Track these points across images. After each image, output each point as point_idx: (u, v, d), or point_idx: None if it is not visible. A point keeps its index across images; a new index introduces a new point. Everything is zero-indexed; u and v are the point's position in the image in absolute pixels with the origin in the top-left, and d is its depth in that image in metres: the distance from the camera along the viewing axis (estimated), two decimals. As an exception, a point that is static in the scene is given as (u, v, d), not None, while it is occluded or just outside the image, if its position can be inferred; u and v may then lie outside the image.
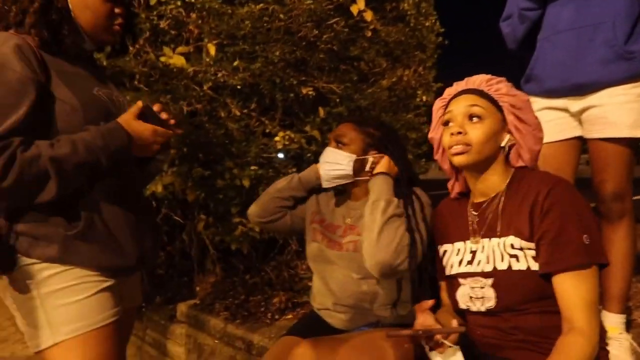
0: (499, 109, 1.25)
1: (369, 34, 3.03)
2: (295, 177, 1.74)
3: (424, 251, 1.46)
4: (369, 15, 2.85)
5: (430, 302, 1.22)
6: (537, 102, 1.98)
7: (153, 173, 1.46)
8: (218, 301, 3.01)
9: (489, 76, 1.30)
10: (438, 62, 3.72)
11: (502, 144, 1.25)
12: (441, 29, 3.70)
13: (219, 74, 2.59)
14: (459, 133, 1.21)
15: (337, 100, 3.01)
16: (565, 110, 1.92)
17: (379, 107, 3.23)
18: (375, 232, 1.42)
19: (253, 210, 1.78)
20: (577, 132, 1.92)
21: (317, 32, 2.78)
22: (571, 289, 1.10)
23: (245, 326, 2.63)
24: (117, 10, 1.25)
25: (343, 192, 1.72)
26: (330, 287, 1.61)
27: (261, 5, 2.54)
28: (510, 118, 1.25)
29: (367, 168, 1.60)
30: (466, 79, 1.33)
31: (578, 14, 1.82)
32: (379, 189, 1.52)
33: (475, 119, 1.22)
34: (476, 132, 1.21)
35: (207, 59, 2.47)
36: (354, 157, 1.59)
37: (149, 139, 1.21)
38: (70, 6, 1.19)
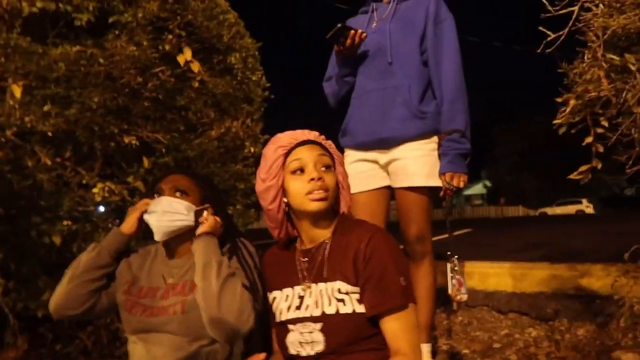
0: (334, 162, 1.36)
1: (196, 84, 3.03)
2: (100, 247, 1.53)
3: (263, 300, 1.45)
4: (195, 66, 2.86)
5: (262, 356, 1.21)
6: (352, 155, 2.20)
7: None
8: (20, 379, 2.58)
9: (313, 132, 1.38)
10: (265, 115, 3.86)
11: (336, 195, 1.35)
12: (267, 83, 3.86)
13: (26, 119, 2.32)
14: (319, 179, 1.27)
15: (163, 150, 2.92)
16: (375, 162, 2.16)
17: (207, 158, 3.21)
18: (214, 298, 1.33)
19: (58, 302, 1.48)
20: (386, 182, 2.16)
21: (141, 79, 2.69)
22: (396, 326, 1.21)
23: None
24: None
25: (163, 250, 1.61)
26: (154, 355, 1.45)
27: (78, 47, 2.38)
28: (339, 169, 1.37)
29: (202, 220, 1.52)
30: (297, 131, 1.37)
31: (382, 78, 2.10)
32: (206, 251, 1.42)
33: (326, 168, 1.31)
34: (331, 180, 1.30)
35: (11, 102, 2.20)
36: (193, 207, 1.52)
37: None
38: None
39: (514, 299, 3.51)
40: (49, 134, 2.32)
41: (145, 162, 2.75)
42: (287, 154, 1.32)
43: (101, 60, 2.40)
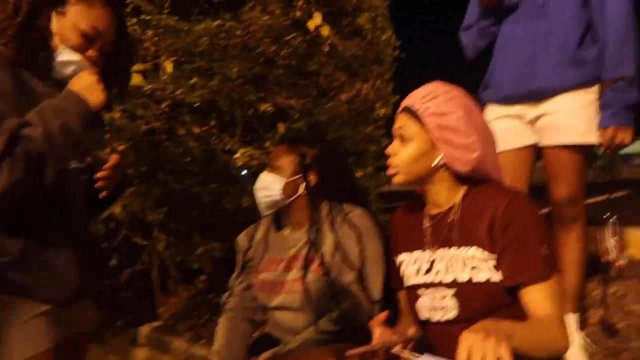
0: (422, 126, 1.24)
1: (327, 48, 3.06)
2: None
3: (361, 272, 1.47)
4: (325, 31, 2.89)
5: (383, 315, 1.20)
6: (494, 110, 2.05)
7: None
8: (181, 322, 2.96)
9: (427, 90, 1.26)
10: (395, 75, 3.79)
11: (434, 164, 1.24)
12: (397, 42, 3.77)
13: (177, 92, 2.56)
14: (389, 155, 1.27)
15: (297, 115, 3.02)
16: (521, 118, 1.99)
17: (338, 121, 3.26)
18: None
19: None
20: (532, 140, 1.99)
21: (274, 47, 2.78)
22: (538, 297, 1.14)
23: (210, 346, 2.58)
24: (89, 52, 1.21)
25: (281, 223, 1.66)
26: (282, 330, 1.55)
27: (218, 22, 2.53)
28: (436, 138, 1.23)
29: (300, 191, 1.55)
30: (411, 93, 1.30)
31: (532, 23, 1.90)
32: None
33: (404, 140, 1.25)
34: (402, 155, 1.25)
35: (164, 77, 2.44)
36: (284, 180, 1.54)
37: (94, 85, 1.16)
38: (52, 30, 1.17)
39: (679, 270, 3.10)
40: (196, 104, 2.53)
41: (281, 128, 2.88)
42: None
43: (238, 32, 2.54)
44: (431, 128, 1.23)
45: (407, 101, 1.28)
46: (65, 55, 1.18)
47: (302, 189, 1.55)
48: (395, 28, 3.76)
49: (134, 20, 2.42)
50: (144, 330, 3.05)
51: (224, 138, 2.87)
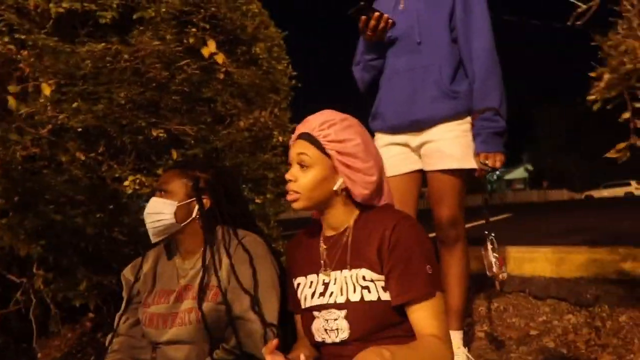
0: (324, 154, 1.28)
1: (222, 76, 3.05)
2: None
3: (254, 298, 1.44)
4: (220, 58, 2.88)
5: (275, 342, 1.21)
6: (382, 138, 2.16)
7: None
8: (63, 366, 2.70)
9: (324, 118, 1.30)
10: (292, 103, 3.86)
11: (335, 188, 1.28)
12: (294, 72, 3.85)
13: (60, 116, 2.40)
14: (290, 180, 1.28)
15: (192, 142, 2.96)
16: (407, 145, 2.11)
17: (235, 148, 3.24)
18: None
19: None
20: (418, 166, 2.12)
21: (167, 73, 2.72)
22: (423, 315, 1.19)
23: (93, 391, 2.38)
24: None
25: (171, 252, 1.60)
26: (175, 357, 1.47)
27: (103, 44, 2.43)
28: (337, 164, 1.28)
29: (194, 215, 1.52)
30: (306, 119, 1.34)
31: (411, 57, 2.04)
32: None
33: (304, 167, 1.27)
34: (303, 181, 1.27)
35: (43, 100, 2.28)
36: (175, 204, 1.49)
37: None
38: None
39: (552, 284, 3.40)
40: (79, 129, 2.39)
41: (174, 154, 2.80)
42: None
43: (126, 56, 2.45)
44: (332, 154, 1.27)
45: (304, 127, 1.31)
46: None
47: (195, 212, 1.51)
48: (291, 59, 3.84)
49: (6, 39, 2.25)
50: (20, 378, 2.75)
51: (113, 165, 2.73)
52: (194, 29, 2.86)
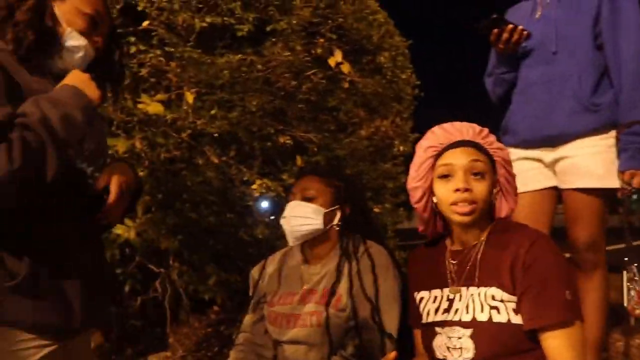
0: (492, 163, 1.23)
1: (347, 85, 3.12)
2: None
3: (375, 307, 1.42)
4: (346, 68, 2.94)
5: (393, 354, 1.17)
6: (514, 153, 2.03)
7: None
8: (190, 354, 2.91)
9: (477, 126, 1.26)
10: (414, 113, 3.82)
11: (491, 198, 1.23)
12: (417, 81, 3.82)
13: (198, 122, 2.62)
14: (466, 190, 1.17)
15: (315, 149, 3.05)
16: (540, 160, 1.98)
17: (356, 157, 3.28)
18: None
19: None
20: (552, 182, 1.97)
21: (295, 82, 2.84)
22: (559, 343, 1.10)
23: (216, 379, 2.54)
24: (94, 38, 1.17)
25: (301, 253, 1.63)
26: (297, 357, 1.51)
27: (240, 55, 2.61)
28: (502, 172, 1.24)
29: (335, 222, 1.54)
30: (452, 124, 1.28)
31: (547, 69, 1.91)
32: None
33: (479, 176, 1.19)
34: (481, 190, 1.18)
35: (185, 107, 2.50)
36: (323, 210, 1.51)
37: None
38: (58, 16, 1.12)
39: None
40: (215, 135, 2.58)
41: (299, 160, 2.91)
42: (437, 156, 1.25)
43: (259, 67, 2.60)
44: (499, 162, 1.23)
45: (461, 135, 1.24)
46: (74, 40, 1.13)
47: (337, 220, 1.54)
48: (414, 68, 3.81)
49: (158, 52, 2.51)
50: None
51: (242, 169, 2.91)
52: (321, 40, 2.96)
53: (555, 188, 1.97)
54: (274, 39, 2.85)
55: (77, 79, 1.07)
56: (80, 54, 1.14)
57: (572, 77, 1.85)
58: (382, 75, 3.51)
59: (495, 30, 1.91)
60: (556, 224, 2.06)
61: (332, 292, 1.47)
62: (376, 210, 3.52)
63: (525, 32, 1.89)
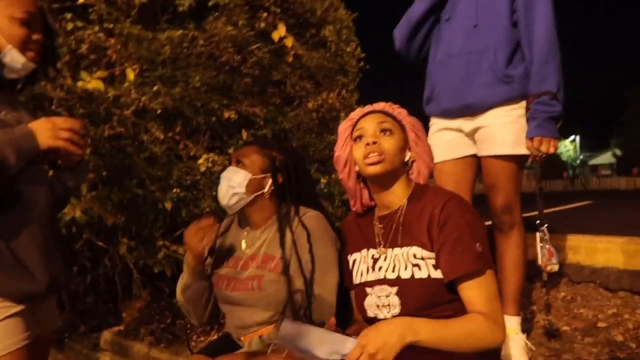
0: (402, 128, 1.38)
1: (291, 59, 3.15)
2: (183, 278, 1.64)
3: (311, 276, 1.50)
4: (289, 42, 2.97)
5: (332, 321, 1.24)
6: (437, 123, 2.17)
7: (63, 196, 1.42)
8: (143, 326, 2.97)
9: (388, 104, 1.43)
10: (360, 85, 3.90)
11: (405, 159, 1.37)
12: (362, 54, 3.87)
13: (143, 99, 2.60)
14: (374, 143, 1.30)
15: (262, 123, 3.09)
16: (460, 130, 2.11)
17: (303, 129, 3.34)
18: None
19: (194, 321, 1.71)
20: (472, 151, 2.11)
21: (239, 57, 2.86)
22: (474, 292, 1.23)
23: (170, 350, 2.62)
24: (34, 37, 1.21)
25: (244, 221, 1.70)
26: (236, 324, 1.60)
27: (181, 31, 2.60)
28: (411, 136, 1.38)
29: (265, 189, 1.60)
30: (369, 105, 1.44)
31: (468, 41, 2.03)
32: None
33: (387, 132, 1.33)
34: (389, 143, 1.32)
35: (127, 84, 2.48)
36: (249, 175, 1.57)
37: (51, 131, 1.15)
38: None
39: (625, 276, 3.22)
40: (158, 111, 2.58)
41: (245, 135, 2.95)
42: (354, 125, 1.40)
43: (202, 42, 2.60)
44: (407, 127, 1.38)
45: (375, 107, 1.40)
46: (12, 57, 1.19)
47: (268, 187, 1.59)
48: (360, 41, 3.86)
49: (96, 28, 2.47)
50: (106, 335, 3.06)
51: (188, 144, 2.92)
52: (265, 14, 2.97)
53: (475, 156, 2.12)
54: (216, 14, 2.84)
55: (38, 125, 1.14)
56: (21, 69, 1.22)
57: (489, 51, 1.97)
58: (326, 48, 3.55)
59: None
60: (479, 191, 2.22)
61: (271, 257, 1.55)
62: (323, 181, 3.61)
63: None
